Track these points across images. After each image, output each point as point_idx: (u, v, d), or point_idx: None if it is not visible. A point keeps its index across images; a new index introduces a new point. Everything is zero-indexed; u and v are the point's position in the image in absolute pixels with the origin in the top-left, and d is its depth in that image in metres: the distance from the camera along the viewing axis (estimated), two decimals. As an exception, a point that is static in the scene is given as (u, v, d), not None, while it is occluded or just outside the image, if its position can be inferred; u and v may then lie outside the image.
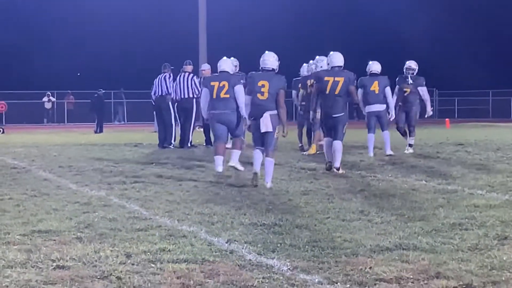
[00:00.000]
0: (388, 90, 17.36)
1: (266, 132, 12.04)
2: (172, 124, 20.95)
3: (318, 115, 14.23)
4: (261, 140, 12.19)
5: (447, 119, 38.14)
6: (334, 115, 14.02)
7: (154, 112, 33.39)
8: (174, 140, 20.90)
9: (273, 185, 11.88)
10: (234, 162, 13.61)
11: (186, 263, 6.52)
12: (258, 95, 12.11)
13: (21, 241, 7.44)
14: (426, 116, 18.89)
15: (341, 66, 14.27)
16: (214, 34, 42.38)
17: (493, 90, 52.69)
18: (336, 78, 13.99)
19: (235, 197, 10.63)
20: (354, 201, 10.14)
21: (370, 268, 6.31)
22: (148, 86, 32.65)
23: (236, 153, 13.76)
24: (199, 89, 20.19)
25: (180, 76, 20.60)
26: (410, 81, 18.24)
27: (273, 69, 12.44)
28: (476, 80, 50.31)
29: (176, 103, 20.79)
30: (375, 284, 5.87)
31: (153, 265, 6.45)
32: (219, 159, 13.60)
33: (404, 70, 18.49)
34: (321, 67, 16.46)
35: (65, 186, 11.99)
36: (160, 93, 21.08)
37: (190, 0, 41.12)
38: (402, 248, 7.05)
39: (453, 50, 52.87)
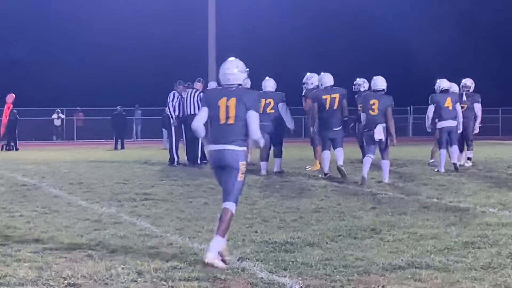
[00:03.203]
0: (458, 106, 17.86)
1: (379, 140, 14.85)
2: (171, 143, 21.00)
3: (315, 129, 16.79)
4: (374, 148, 15.12)
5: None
6: (334, 129, 16.23)
7: (163, 129, 33.69)
8: (178, 157, 20.85)
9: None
10: (278, 168, 17.50)
11: (197, 281, 6.50)
12: (370, 111, 14.95)
13: (32, 259, 7.44)
14: (473, 132, 19.52)
15: (332, 85, 16.40)
16: (224, 50, 42.46)
17: (503, 107, 52.57)
18: (333, 95, 16.19)
19: (246, 214, 10.61)
20: (366, 218, 10.10)
21: (383, 286, 6.28)
22: (158, 103, 32.65)
23: (278, 161, 17.60)
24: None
25: (187, 93, 20.60)
26: (464, 98, 19.00)
27: (383, 89, 15.22)
28: (485, 98, 50.12)
29: (181, 120, 20.74)
30: (388, 303, 5.84)
31: (164, 283, 6.43)
32: (264, 164, 17.32)
33: (460, 87, 19.29)
34: (312, 83, 17.63)
35: (75, 203, 11.99)
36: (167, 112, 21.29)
37: (200, 16, 41.21)
38: (414, 266, 7.01)
39: (462, 67, 52.73)
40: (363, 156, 19.65)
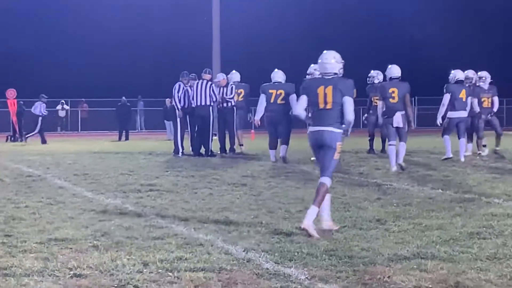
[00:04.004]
0: (469, 99, 18.33)
1: (397, 127, 15.52)
2: (176, 133, 20.96)
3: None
4: (395, 134, 15.64)
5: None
6: None
7: (165, 121, 33.80)
8: (183, 148, 20.85)
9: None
10: (283, 153, 17.99)
11: (203, 271, 6.49)
12: (390, 99, 15.58)
13: (38, 249, 7.44)
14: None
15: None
16: (228, 43, 42.38)
17: (507, 98, 52.49)
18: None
19: (251, 205, 10.61)
20: (371, 209, 10.09)
21: (389, 277, 6.27)
22: (162, 95, 32.65)
23: (284, 147, 18.12)
24: (217, 97, 20.39)
25: (197, 84, 20.56)
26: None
27: (399, 77, 15.88)
28: (490, 88, 49.89)
29: (191, 110, 20.71)
30: (394, 294, 5.84)
31: (170, 274, 6.43)
32: (272, 152, 18.19)
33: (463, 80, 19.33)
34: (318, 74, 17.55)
35: (80, 194, 11.99)
36: (172, 103, 21.31)
37: (203, 7, 41.14)
38: (420, 257, 7.01)
39: (467, 58, 52.67)
40: (370, 149, 20.98)
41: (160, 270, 6.55)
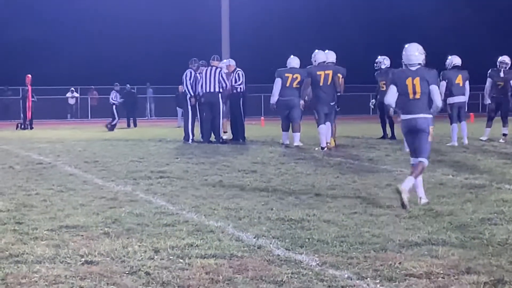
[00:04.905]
0: (467, 83, 18.70)
1: None
2: (187, 120, 20.96)
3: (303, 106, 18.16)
4: None
5: (471, 113, 37.77)
6: (331, 103, 17.39)
7: (177, 108, 33.81)
8: (193, 135, 20.86)
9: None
10: (297, 142, 18.25)
11: (214, 258, 6.50)
12: None
13: (49, 236, 7.47)
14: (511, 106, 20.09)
15: (325, 61, 17.61)
16: (237, 29, 42.34)
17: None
18: (326, 71, 17.32)
19: (262, 191, 10.61)
20: (381, 195, 10.08)
21: (400, 263, 6.27)
22: (172, 82, 32.60)
23: (297, 135, 18.38)
24: (226, 84, 20.36)
25: (206, 70, 20.50)
26: (502, 74, 19.55)
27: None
28: (500, 74, 49.58)
29: (199, 97, 20.68)
30: (405, 280, 5.83)
31: (181, 261, 6.44)
32: (285, 134, 18.74)
33: (498, 64, 19.78)
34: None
35: (91, 181, 12.01)
36: (183, 90, 21.30)
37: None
38: (431, 243, 7.00)
39: (476, 45, 52.41)
40: (384, 133, 21.22)
41: (171, 257, 6.56)
